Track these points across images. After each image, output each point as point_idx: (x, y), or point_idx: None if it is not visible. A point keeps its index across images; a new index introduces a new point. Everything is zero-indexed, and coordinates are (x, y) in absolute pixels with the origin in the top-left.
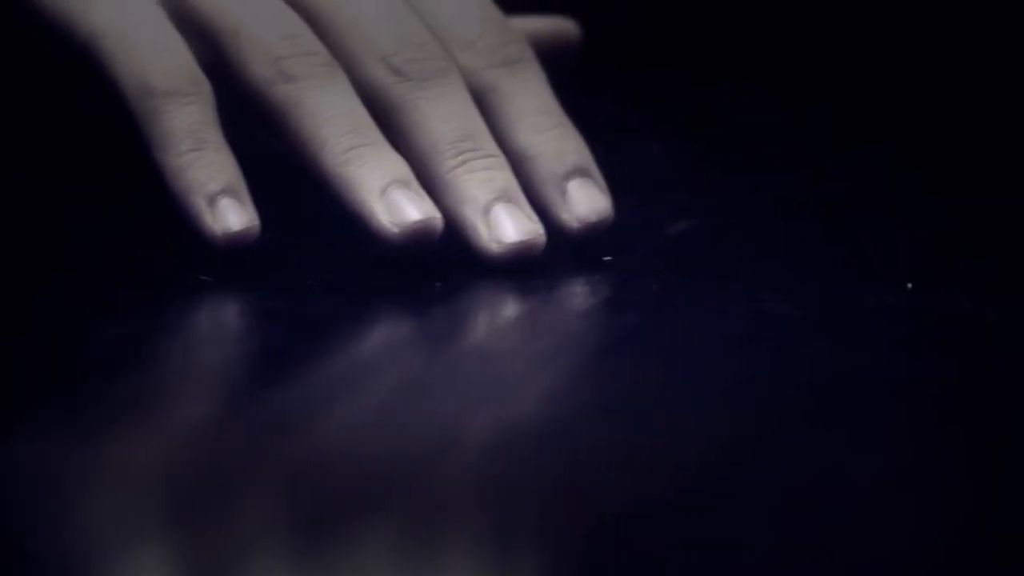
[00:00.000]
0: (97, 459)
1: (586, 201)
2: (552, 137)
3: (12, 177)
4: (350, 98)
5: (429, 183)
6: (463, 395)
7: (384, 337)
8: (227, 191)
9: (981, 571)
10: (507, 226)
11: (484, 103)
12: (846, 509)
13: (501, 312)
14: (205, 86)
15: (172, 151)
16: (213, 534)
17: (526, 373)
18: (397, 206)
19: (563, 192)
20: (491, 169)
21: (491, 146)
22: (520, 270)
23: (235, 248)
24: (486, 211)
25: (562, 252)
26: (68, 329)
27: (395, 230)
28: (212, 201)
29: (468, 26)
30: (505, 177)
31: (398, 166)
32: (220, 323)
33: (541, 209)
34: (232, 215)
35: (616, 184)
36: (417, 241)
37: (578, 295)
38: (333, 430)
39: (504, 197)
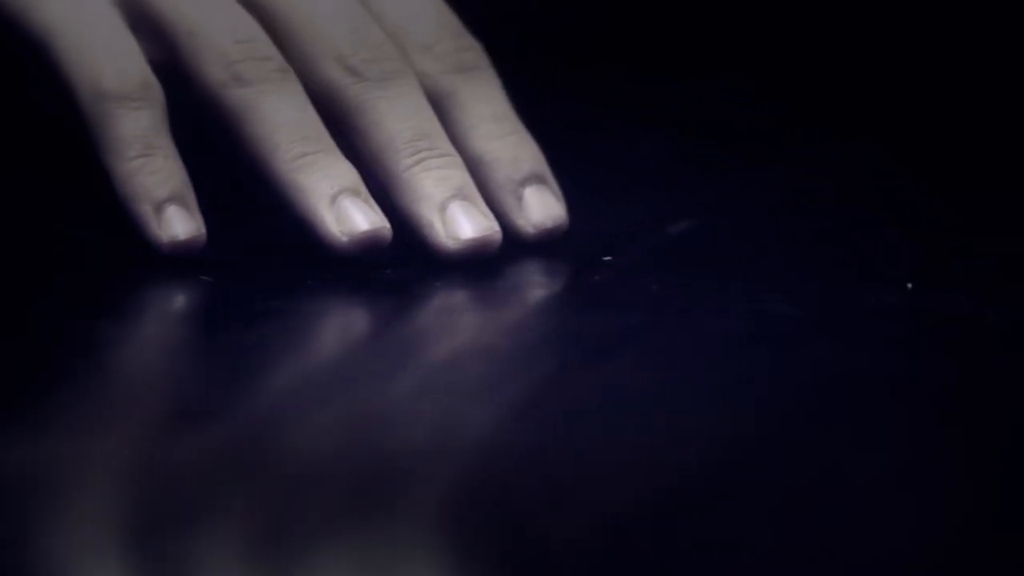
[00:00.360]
0: (97, 457)
1: (541, 207)
2: (508, 144)
3: (12, 177)
4: (303, 104)
5: (386, 181)
6: (463, 394)
7: (384, 337)
8: (174, 199)
9: (981, 571)
10: (463, 223)
11: (441, 108)
12: (846, 509)
13: (501, 312)
14: (156, 91)
15: (121, 156)
16: (208, 529)
17: (526, 373)
18: (346, 215)
19: (519, 198)
20: (447, 168)
21: (447, 146)
22: (476, 266)
23: (181, 256)
24: (442, 208)
25: (563, 252)
26: (68, 329)
27: (344, 239)
28: (159, 208)
29: (425, 31)
30: (461, 176)
31: (348, 174)
32: (220, 323)
33: (497, 215)
34: (178, 223)
35: (617, 184)
36: (365, 250)
37: (578, 295)
38: (334, 428)
39: (460, 195)
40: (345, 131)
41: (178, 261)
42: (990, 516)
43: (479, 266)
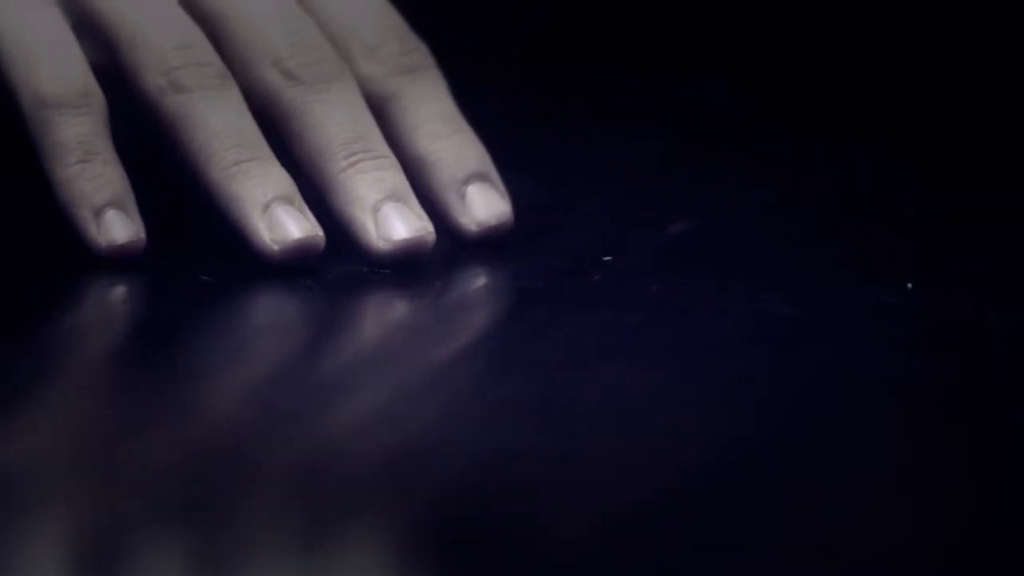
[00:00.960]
0: (97, 456)
1: (484, 205)
2: (452, 144)
3: (12, 177)
4: (240, 111)
5: (321, 184)
6: (463, 394)
7: (382, 337)
8: (112, 203)
9: (981, 571)
10: (395, 224)
11: (385, 111)
12: (846, 509)
13: (500, 312)
14: (97, 97)
15: (61, 162)
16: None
17: (526, 373)
18: (279, 223)
19: (462, 196)
20: (381, 170)
21: (382, 148)
22: (476, 266)
23: (120, 259)
24: (375, 210)
25: (561, 253)
26: (68, 328)
27: (275, 248)
28: (98, 213)
29: (369, 33)
30: (395, 177)
31: (282, 182)
32: (219, 323)
33: (441, 214)
34: (117, 228)
35: (616, 184)
36: (298, 258)
37: (578, 295)
38: (331, 427)
39: (393, 197)
40: (282, 135)
41: (177, 262)
42: (990, 516)
43: (479, 266)
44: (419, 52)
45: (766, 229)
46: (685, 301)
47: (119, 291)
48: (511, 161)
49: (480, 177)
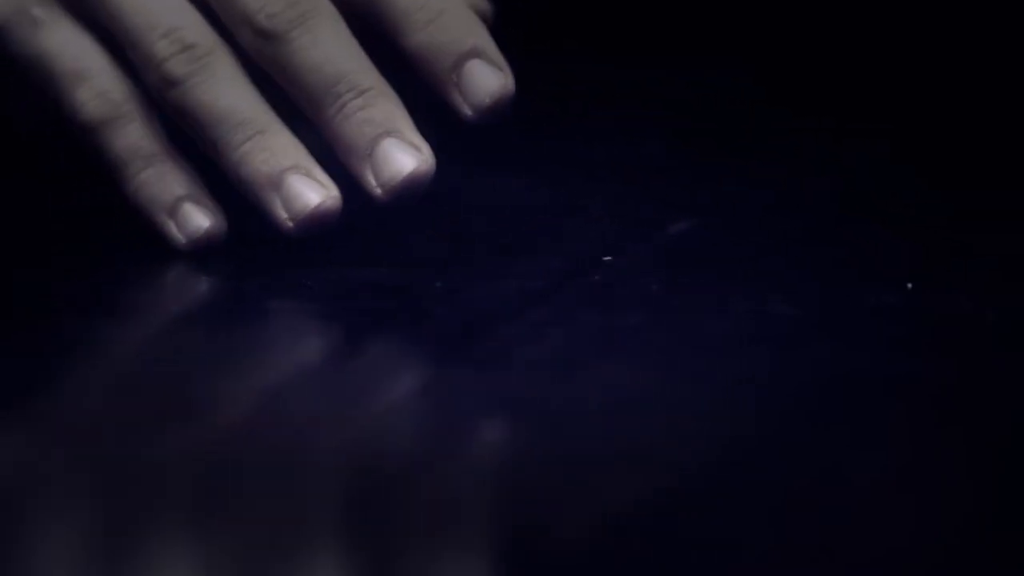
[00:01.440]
0: (97, 455)
1: (477, 86)
2: (434, 31)
3: (12, 177)
4: (233, 84)
5: (321, 133)
6: (462, 394)
7: (382, 337)
8: (183, 198)
9: (981, 571)
10: (390, 164)
11: (370, 16)
12: (846, 509)
13: (500, 312)
14: (139, 100)
15: (123, 175)
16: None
17: (526, 373)
18: (291, 195)
19: (456, 83)
20: (368, 107)
21: (366, 78)
22: (476, 266)
23: (206, 249)
24: (368, 154)
25: (561, 253)
26: (67, 328)
27: (290, 224)
28: (172, 211)
29: None
30: (383, 109)
31: (287, 151)
32: (218, 323)
33: (445, 104)
34: (193, 220)
35: (616, 184)
36: (318, 225)
37: (578, 295)
38: (331, 429)
39: (384, 132)
40: (280, 88)
41: (176, 262)
42: (990, 516)
43: (479, 266)
44: None
45: (766, 229)
46: (685, 301)
47: (119, 291)
48: (512, 161)
49: (469, 55)
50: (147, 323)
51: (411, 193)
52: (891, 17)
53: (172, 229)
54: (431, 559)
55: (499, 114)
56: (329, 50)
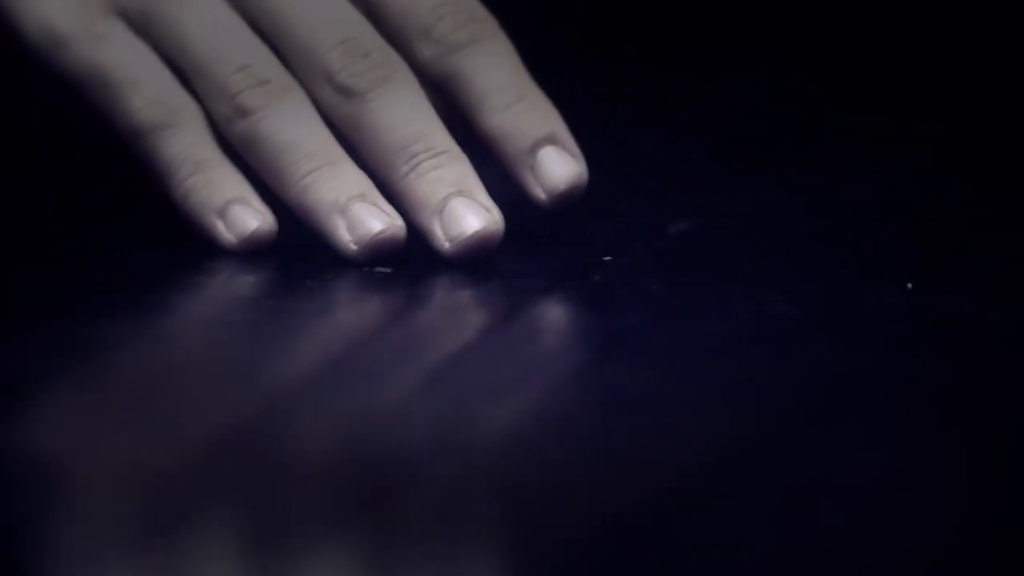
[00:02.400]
0: (97, 455)
1: (553, 172)
2: (513, 114)
3: (12, 177)
4: (305, 119)
5: (388, 194)
6: (463, 394)
7: (383, 337)
8: (232, 200)
9: (981, 571)
10: (460, 221)
11: (447, 91)
12: (846, 509)
13: (501, 312)
14: (190, 107)
15: (173, 181)
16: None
17: (526, 373)
18: (356, 221)
19: (531, 167)
20: (441, 167)
21: (442, 141)
22: (477, 266)
23: (255, 249)
24: (439, 210)
25: (561, 253)
26: (68, 329)
27: (354, 247)
28: (221, 214)
29: (422, 15)
30: (456, 171)
31: (355, 181)
32: (219, 323)
33: (518, 188)
34: (241, 221)
35: (616, 183)
36: (381, 252)
37: (578, 295)
38: (334, 428)
39: (456, 192)
40: (350, 147)
41: (177, 262)
42: (990, 516)
43: (480, 266)
44: (474, 23)
45: (766, 229)
46: (685, 301)
47: (119, 291)
48: None
49: (547, 141)
50: (148, 323)
51: (478, 253)
52: (892, 18)
53: (221, 229)
54: (431, 559)
55: (572, 201)
56: (407, 112)
